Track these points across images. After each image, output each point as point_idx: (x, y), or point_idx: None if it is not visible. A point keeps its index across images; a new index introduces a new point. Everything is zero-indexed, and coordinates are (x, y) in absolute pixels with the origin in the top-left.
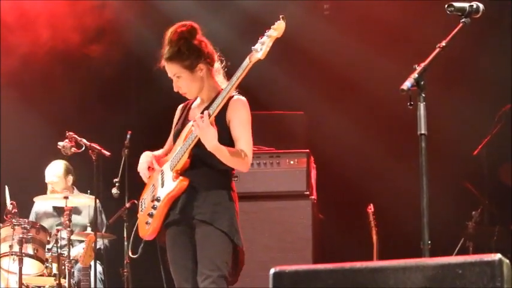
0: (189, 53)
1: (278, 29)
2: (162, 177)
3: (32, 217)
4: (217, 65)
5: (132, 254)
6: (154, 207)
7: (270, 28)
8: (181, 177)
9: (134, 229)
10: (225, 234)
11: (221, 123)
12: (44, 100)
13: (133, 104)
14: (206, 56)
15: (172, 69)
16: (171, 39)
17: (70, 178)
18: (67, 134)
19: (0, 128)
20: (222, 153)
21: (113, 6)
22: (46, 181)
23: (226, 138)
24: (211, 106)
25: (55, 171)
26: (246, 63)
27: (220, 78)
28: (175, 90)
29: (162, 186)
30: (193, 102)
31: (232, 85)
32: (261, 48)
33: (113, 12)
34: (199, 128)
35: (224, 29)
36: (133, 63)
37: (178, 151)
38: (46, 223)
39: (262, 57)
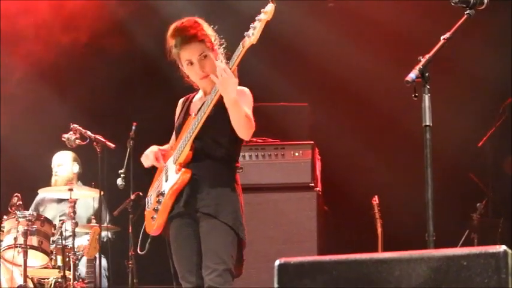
0: (209, 34)
1: (268, 12)
2: (166, 172)
3: (32, 208)
4: (220, 56)
5: (140, 250)
6: (159, 202)
7: (260, 12)
8: (183, 169)
9: (143, 228)
10: (230, 227)
11: (223, 115)
12: (54, 93)
13: (139, 95)
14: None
15: (198, 49)
16: (184, 26)
17: (76, 166)
18: (71, 126)
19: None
20: (237, 109)
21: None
22: (52, 165)
23: (228, 131)
24: (231, 60)
25: (63, 155)
26: (240, 50)
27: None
28: (197, 74)
29: (166, 181)
30: (194, 97)
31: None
32: (253, 33)
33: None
34: (222, 79)
35: (226, 31)
36: (138, 55)
37: (180, 144)
38: (49, 213)
39: (255, 41)
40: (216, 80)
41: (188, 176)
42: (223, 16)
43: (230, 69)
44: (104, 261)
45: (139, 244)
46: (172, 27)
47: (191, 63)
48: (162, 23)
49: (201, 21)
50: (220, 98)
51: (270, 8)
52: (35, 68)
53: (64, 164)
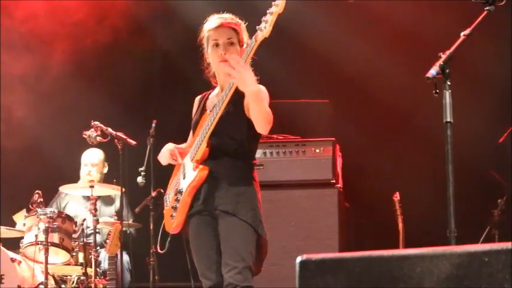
0: (242, 33)
1: (279, 4)
2: (184, 169)
3: (56, 205)
4: None
5: (160, 249)
6: (177, 200)
7: (271, 5)
8: (200, 166)
9: (162, 226)
10: (249, 225)
11: (239, 113)
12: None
13: (158, 92)
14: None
15: (228, 33)
16: (223, 16)
17: (106, 166)
18: (92, 123)
19: None
20: (259, 101)
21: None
22: (84, 163)
23: (244, 128)
24: (244, 54)
25: (96, 154)
26: (253, 43)
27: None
28: (220, 52)
29: (184, 178)
30: (210, 93)
31: None
32: (265, 27)
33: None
34: (238, 71)
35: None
36: (158, 54)
37: (196, 141)
38: (70, 211)
39: (267, 34)
40: (232, 72)
41: (206, 173)
42: (244, 17)
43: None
44: (126, 257)
45: (158, 243)
46: (227, 14)
47: (217, 44)
48: (183, 23)
49: (241, 22)
50: (236, 94)
51: (281, 0)
52: (67, 67)
53: (98, 164)
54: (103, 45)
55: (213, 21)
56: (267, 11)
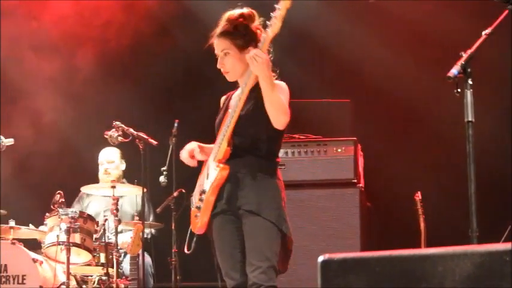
0: (243, 33)
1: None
2: (208, 169)
3: (76, 206)
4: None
5: (187, 250)
6: (201, 200)
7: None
8: (221, 165)
9: (190, 228)
10: (273, 224)
11: (260, 111)
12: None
13: (180, 92)
14: (258, 42)
15: (221, 45)
16: (229, 17)
17: (123, 164)
18: (114, 123)
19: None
20: (271, 89)
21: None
22: (100, 161)
23: (265, 126)
24: (259, 44)
25: (112, 152)
26: (264, 39)
27: None
28: (218, 66)
29: (207, 178)
30: (234, 93)
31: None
32: (275, 22)
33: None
34: (257, 62)
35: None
36: (181, 54)
37: (218, 140)
38: (93, 209)
39: (277, 30)
40: (249, 61)
41: (226, 172)
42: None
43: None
44: (148, 258)
45: (186, 244)
46: (225, 14)
47: (217, 55)
48: (204, 23)
49: (252, 17)
50: (255, 92)
51: None
52: (92, 69)
53: (115, 161)
54: (127, 47)
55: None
56: (276, 6)
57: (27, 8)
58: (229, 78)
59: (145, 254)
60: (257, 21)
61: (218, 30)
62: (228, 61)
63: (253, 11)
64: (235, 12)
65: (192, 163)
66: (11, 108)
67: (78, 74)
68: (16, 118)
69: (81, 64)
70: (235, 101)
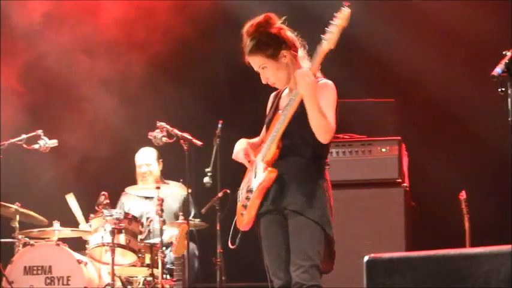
0: (269, 41)
1: (342, 17)
2: (256, 167)
3: (119, 206)
4: (301, 51)
5: (231, 244)
6: (248, 198)
7: (335, 17)
8: (269, 168)
9: (234, 222)
10: (317, 224)
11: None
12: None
13: (224, 93)
14: (287, 42)
15: (256, 61)
16: (248, 32)
17: (161, 163)
18: (158, 124)
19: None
20: (315, 107)
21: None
22: (138, 163)
23: (310, 125)
24: (311, 63)
25: (148, 153)
26: (317, 54)
27: (306, 64)
28: (263, 82)
29: (255, 177)
30: (283, 91)
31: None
32: (330, 37)
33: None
34: (307, 83)
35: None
36: (225, 56)
37: (267, 142)
38: (135, 211)
39: (332, 46)
40: (297, 78)
41: (274, 175)
42: (297, 17)
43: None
44: (193, 245)
45: (229, 238)
46: (244, 29)
47: (258, 71)
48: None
49: (268, 21)
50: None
51: (344, 12)
52: (139, 71)
53: (152, 163)
54: (173, 49)
55: (244, 43)
56: (331, 22)
57: (78, 13)
58: (279, 87)
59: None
60: (278, 23)
61: (245, 48)
62: (269, 73)
63: (269, 15)
64: (252, 23)
65: (244, 160)
66: (64, 111)
67: (129, 76)
68: (69, 120)
69: (130, 67)
70: (286, 102)
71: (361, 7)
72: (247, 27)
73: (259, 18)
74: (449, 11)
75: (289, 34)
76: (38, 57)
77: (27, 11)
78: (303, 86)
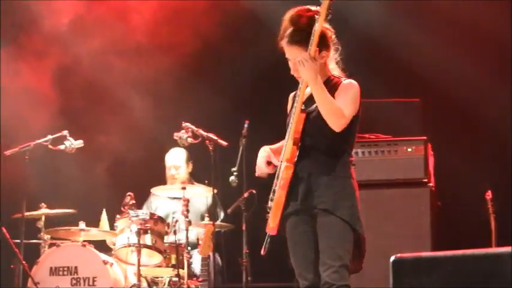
0: (312, 35)
1: None
2: (279, 169)
3: (146, 207)
4: (332, 53)
5: (263, 251)
6: (271, 200)
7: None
8: (285, 164)
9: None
10: (347, 223)
11: None
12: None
13: (251, 92)
14: (328, 44)
15: (293, 52)
16: (297, 21)
17: (190, 165)
18: (183, 124)
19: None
20: (320, 92)
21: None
22: (167, 165)
23: None
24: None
25: (178, 155)
26: (312, 35)
27: (332, 65)
28: (292, 73)
29: (277, 178)
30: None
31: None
32: (319, 17)
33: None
34: (305, 69)
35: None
36: (251, 56)
37: (285, 140)
38: (162, 211)
39: (323, 22)
40: (297, 65)
41: (291, 170)
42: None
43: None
44: (218, 259)
45: (264, 246)
46: (290, 16)
47: (289, 59)
48: (271, 23)
49: (310, 17)
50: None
51: None
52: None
53: (181, 165)
54: (200, 50)
55: (282, 31)
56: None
57: (108, 15)
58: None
59: (216, 255)
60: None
61: (288, 36)
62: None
63: (319, 9)
64: (301, 13)
65: (272, 170)
66: (98, 113)
67: (157, 78)
68: (101, 122)
69: (158, 68)
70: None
71: (389, 7)
72: (295, 16)
73: (310, 11)
74: (477, 11)
75: (332, 36)
76: (70, 60)
77: (58, 14)
78: (303, 72)
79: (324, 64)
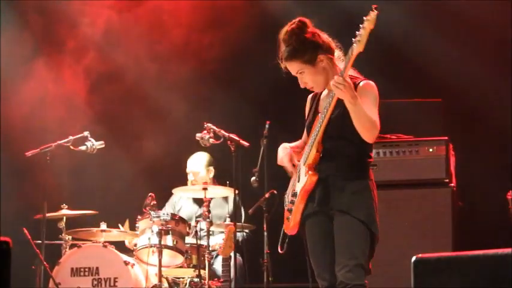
0: (304, 47)
1: (370, 19)
2: (299, 171)
3: (169, 208)
4: (337, 53)
5: (280, 249)
6: (292, 203)
7: (363, 20)
8: (310, 172)
9: (283, 228)
10: (363, 223)
11: (348, 113)
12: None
13: (272, 93)
14: (323, 46)
15: (293, 67)
16: (283, 39)
17: (211, 170)
18: (205, 125)
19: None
20: (358, 111)
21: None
22: (187, 171)
23: (354, 127)
24: (343, 69)
25: (197, 161)
26: (348, 57)
27: (342, 65)
28: (302, 86)
29: (299, 181)
30: (321, 93)
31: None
32: (359, 40)
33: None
34: (342, 91)
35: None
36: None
37: (308, 145)
38: (185, 213)
39: (361, 49)
40: (333, 88)
41: (315, 179)
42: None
43: (342, 76)
44: (239, 260)
45: (279, 243)
46: (279, 35)
47: (296, 76)
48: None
49: (302, 27)
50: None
51: (372, 16)
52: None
53: (200, 171)
54: (221, 52)
55: (280, 50)
56: (360, 25)
57: (143, 21)
58: (317, 90)
59: (237, 256)
60: (311, 26)
61: (282, 55)
62: (307, 78)
63: (302, 19)
64: (286, 30)
65: (294, 170)
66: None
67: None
68: (138, 126)
69: (183, 70)
70: (324, 104)
71: (410, 9)
72: (281, 34)
73: (293, 24)
74: (500, 12)
75: (324, 37)
76: (107, 67)
77: (94, 20)
78: (340, 95)
79: (333, 66)
